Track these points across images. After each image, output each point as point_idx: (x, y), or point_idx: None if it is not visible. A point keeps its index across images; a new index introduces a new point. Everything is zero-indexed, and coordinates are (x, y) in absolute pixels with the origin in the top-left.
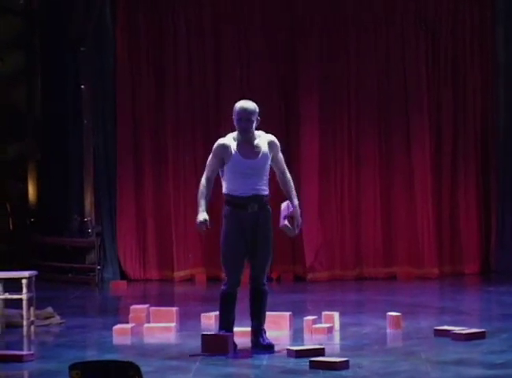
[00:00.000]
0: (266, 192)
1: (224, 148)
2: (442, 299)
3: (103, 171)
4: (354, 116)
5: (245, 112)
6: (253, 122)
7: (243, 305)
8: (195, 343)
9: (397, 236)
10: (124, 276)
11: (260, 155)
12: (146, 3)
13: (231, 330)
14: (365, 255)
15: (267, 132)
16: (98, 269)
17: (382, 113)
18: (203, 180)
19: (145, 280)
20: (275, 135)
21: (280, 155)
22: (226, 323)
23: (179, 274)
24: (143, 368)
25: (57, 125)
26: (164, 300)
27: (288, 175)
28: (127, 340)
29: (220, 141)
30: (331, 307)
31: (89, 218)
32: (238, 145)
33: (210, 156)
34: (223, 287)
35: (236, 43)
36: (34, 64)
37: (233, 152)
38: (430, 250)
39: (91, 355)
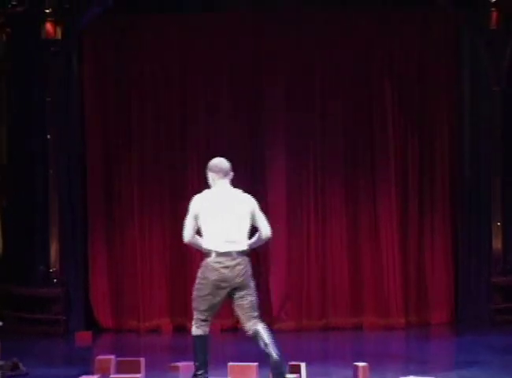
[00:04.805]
0: None
1: None
2: (408, 349)
3: (69, 221)
4: (320, 165)
5: None
6: None
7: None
8: None
9: (363, 287)
10: (89, 326)
11: None
12: (110, 53)
13: None
14: (331, 305)
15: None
16: (64, 320)
17: (348, 163)
18: None
19: (112, 330)
20: (242, 183)
21: None
22: None
23: (145, 324)
24: None
25: (23, 173)
26: (130, 350)
27: None
28: None
29: None
30: (297, 357)
31: (54, 268)
32: None
33: None
34: None
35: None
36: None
37: None
38: (396, 301)
39: None
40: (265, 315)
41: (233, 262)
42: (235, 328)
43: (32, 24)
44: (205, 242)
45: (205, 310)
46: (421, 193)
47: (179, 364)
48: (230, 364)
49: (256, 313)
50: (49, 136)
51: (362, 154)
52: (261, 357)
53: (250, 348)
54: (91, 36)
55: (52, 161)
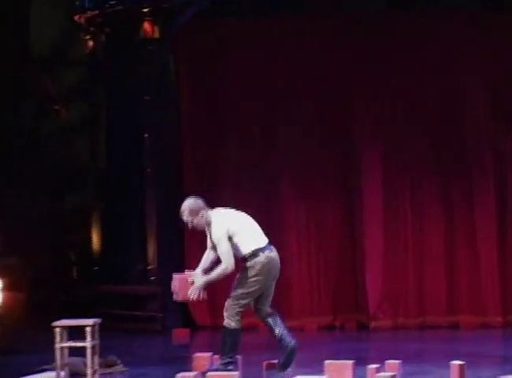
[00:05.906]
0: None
1: None
2: (506, 348)
3: (166, 220)
4: (416, 173)
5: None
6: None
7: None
8: None
9: (460, 285)
10: (186, 324)
11: None
12: (206, 53)
13: None
14: (428, 304)
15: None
16: (160, 317)
17: (444, 172)
18: None
19: (208, 328)
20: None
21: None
22: None
23: (242, 322)
24: None
25: (120, 174)
26: None
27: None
28: None
29: None
30: (394, 356)
31: (152, 266)
32: None
33: None
34: None
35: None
36: (98, 114)
37: None
38: (494, 299)
39: None
40: (363, 313)
41: (273, 253)
42: (332, 326)
43: (130, 24)
44: (247, 248)
45: (246, 304)
46: None
47: (276, 361)
48: (327, 362)
49: None
50: (146, 135)
51: (459, 164)
52: (358, 355)
53: (346, 346)
54: (188, 37)
55: (149, 159)
